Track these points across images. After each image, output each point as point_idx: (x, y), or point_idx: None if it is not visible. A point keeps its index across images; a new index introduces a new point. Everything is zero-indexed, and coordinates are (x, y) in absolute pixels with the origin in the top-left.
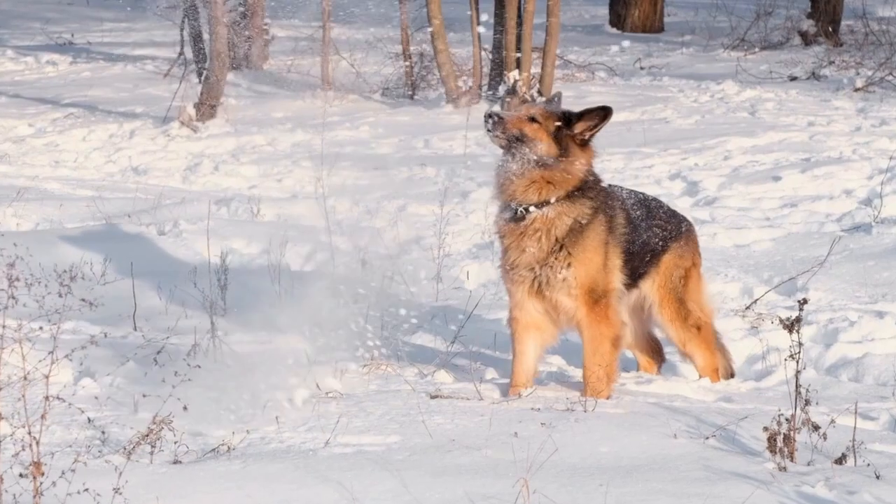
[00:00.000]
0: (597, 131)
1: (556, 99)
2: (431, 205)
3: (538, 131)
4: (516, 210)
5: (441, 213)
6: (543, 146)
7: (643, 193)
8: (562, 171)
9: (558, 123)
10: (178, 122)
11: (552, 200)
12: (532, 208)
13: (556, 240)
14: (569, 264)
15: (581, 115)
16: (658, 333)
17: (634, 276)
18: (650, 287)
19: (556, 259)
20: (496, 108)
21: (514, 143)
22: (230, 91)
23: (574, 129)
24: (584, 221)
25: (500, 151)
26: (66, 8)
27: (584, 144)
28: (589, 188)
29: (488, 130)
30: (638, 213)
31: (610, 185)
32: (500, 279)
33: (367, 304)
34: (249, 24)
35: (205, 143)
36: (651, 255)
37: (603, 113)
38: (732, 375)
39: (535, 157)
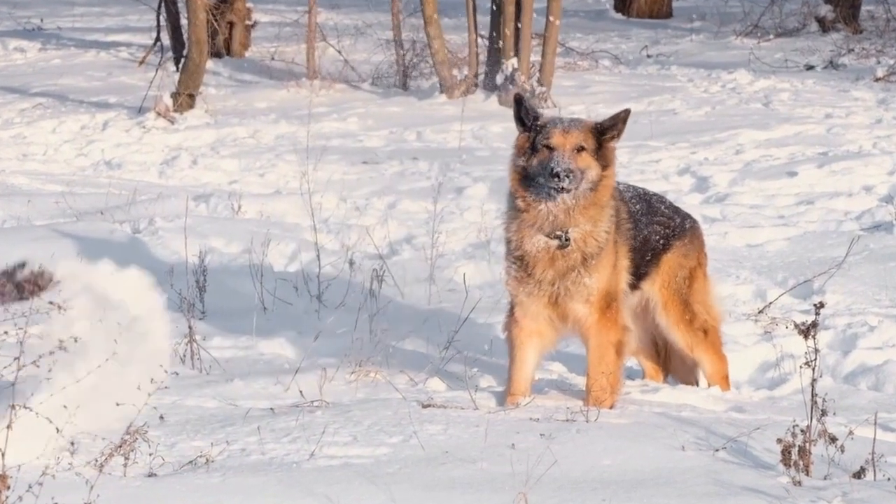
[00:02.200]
0: (621, 136)
1: (536, 93)
2: (424, 201)
3: (588, 159)
4: (561, 237)
5: (434, 211)
6: (594, 171)
7: (643, 188)
8: (605, 188)
9: (596, 136)
10: (154, 112)
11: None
12: (572, 228)
13: (590, 252)
14: (593, 272)
15: (610, 124)
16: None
17: (637, 276)
18: (652, 288)
19: (583, 269)
20: (563, 164)
21: (581, 183)
22: (210, 80)
23: (605, 136)
24: (611, 226)
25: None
26: None
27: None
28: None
29: (566, 190)
30: (637, 207)
31: None
32: (496, 281)
33: (356, 308)
34: (230, 9)
35: (182, 136)
36: (652, 253)
37: (626, 114)
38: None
39: (588, 187)
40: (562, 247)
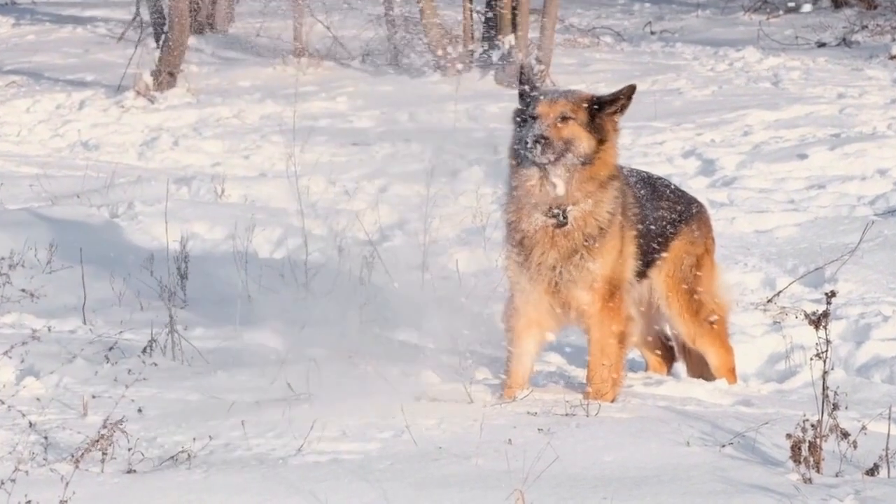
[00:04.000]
0: (624, 112)
1: (532, 69)
2: (416, 185)
3: (575, 129)
4: (558, 215)
5: (427, 194)
6: (584, 144)
7: (646, 172)
8: (602, 162)
9: (590, 108)
10: (134, 91)
11: (593, 190)
12: (570, 206)
13: (591, 233)
14: (597, 257)
15: (612, 98)
16: (670, 330)
17: (643, 263)
18: (658, 276)
19: (586, 252)
20: (539, 128)
21: (563, 155)
22: (192, 57)
23: (605, 110)
24: (614, 208)
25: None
26: None
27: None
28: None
29: (539, 160)
30: (642, 192)
31: None
32: (492, 268)
33: (345, 296)
34: None
35: (163, 116)
36: (659, 240)
37: (630, 91)
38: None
39: (579, 160)
40: (560, 225)
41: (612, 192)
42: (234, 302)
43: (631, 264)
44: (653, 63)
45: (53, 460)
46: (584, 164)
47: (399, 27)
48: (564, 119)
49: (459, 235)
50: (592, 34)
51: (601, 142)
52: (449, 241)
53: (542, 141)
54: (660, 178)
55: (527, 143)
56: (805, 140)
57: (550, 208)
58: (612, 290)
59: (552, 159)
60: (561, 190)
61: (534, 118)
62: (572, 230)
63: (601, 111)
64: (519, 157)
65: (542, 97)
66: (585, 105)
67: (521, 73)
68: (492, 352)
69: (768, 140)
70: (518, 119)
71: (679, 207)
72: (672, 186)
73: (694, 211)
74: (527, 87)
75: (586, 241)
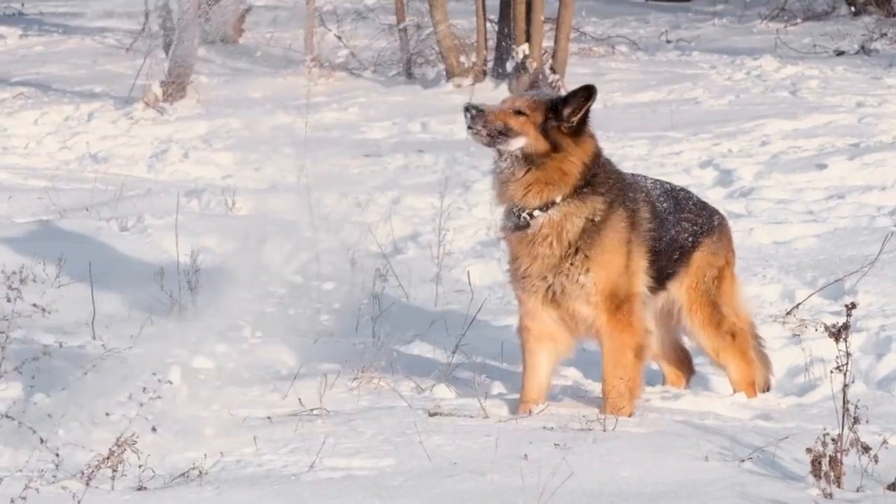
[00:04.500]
0: (584, 115)
1: (542, 77)
2: (430, 197)
3: (524, 125)
4: (519, 216)
5: (441, 207)
6: (530, 141)
7: (669, 183)
8: (555, 169)
9: (547, 114)
10: (143, 102)
11: (557, 201)
12: (536, 212)
13: (570, 244)
14: (587, 269)
15: (566, 100)
16: (687, 342)
17: (661, 277)
18: (679, 289)
19: (571, 265)
20: (475, 101)
21: (497, 138)
22: (201, 68)
23: (562, 115)
24: (597, 219)
25: (492, 151)
26: None
27: (577, 133)
28: (599, 181)
29: (468, 127)
30: (664, 205)
31: (633, 175)
32: (506, 281)
33: (357, 310)
34: None
35: (173, 127)
36: (680, 252)
37: (587, 93)
38: (768, 389)
39: (521, 155)
40: (518, 227)
41: (591, 205)
42: (246, 316)
43: (641, 278)
44: (669, 72)
45: (64, 478)
46: (530, 163)
47: (411, 37)
48: (518, 112)
49: (474, 248)
50: (608, 43)
51: (555, 148)
52: (463, 254)
53: (473, 111)
54: (683, 190)
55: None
56: (824, 150)
57: (512, 209)
58: (618, 304)
59: (485, 139)
60: (515, 187)
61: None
62: (542, 239)
63: (557, 116)
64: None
65: (518, 94)
66: (544, 107)
67: (534, 84)
68: (507, 366)
69: (786, 150)
70: None
71: (700, 220)
72: (694, 198)
73: (715, 223)
74: (537, 80)
75: (567, 252)
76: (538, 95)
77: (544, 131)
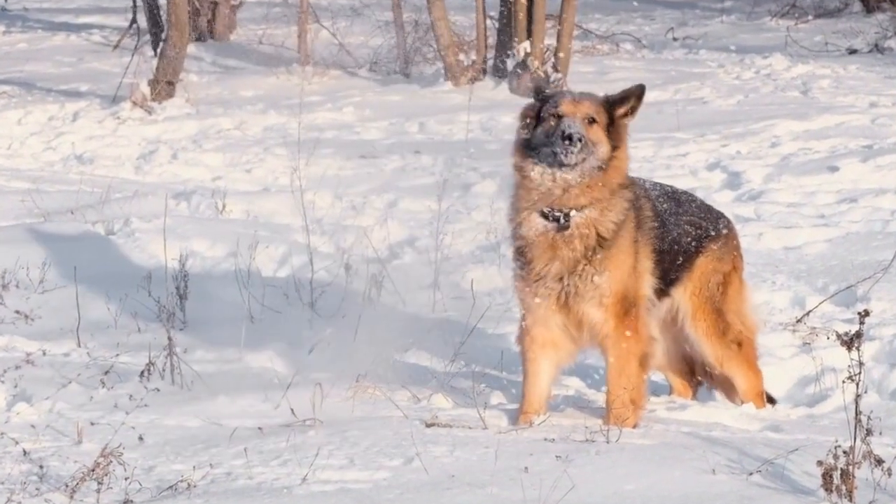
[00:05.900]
0: (635, 115)
1: (551, 80)
2: (427, 199)
3: (597, 132)
4: (559, 218)
5: (438, 209)
6: (605, 147)
7: (670, 186)
8: (614, 169)
9: (608, 111)
10: (130, 102)
11: (602, 199)
12: (573, 212)
13: (598, 242)
14: (603, 269)
15: (622, 100)
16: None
17: (665, 280)
18: (682, 295)
19: (589, 264)
20: (575, 127)
21: (586, 157)
22: (191, 66)
23: (615, 115)
24: (621, 219)
25: (550, 160)
26: None
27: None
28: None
29: (570, 160)
30: (665, 206)
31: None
32: (507, 288)
33: (352, 316)
34: None
35: (161, 127)
36: (683, 257)
37: (639, 91)
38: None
39: (598, 162)
40: (561, 229)
41: (622, 202)
42: (237, 323)
43: (648, 280)
44: (675, 71)
45: (47, 490)
46: (598, 169)
47: (409, 34)
48: (591, 122)
49: (473, 252)
50: (612, 41)
51: (615, 147)
52: (462, 259)
53: (581, 140)
54: (685, 192)
55: (567, 135)
56: (836, 151)
57: (552, 210)
58: (627, 308)
59: (581, 160)
60: (568, 192)
61: (558, 116)
62: (573, 237)
63: (616, 113)
64: (529, 153)
65: (565, 96)
66: (604, 107)
67: (537, 88)
68: (507, 375)
69: (797, 152)
70: (529, 117)
71: (705, 223)
72: (698, 201)
73: (721, 227)
74: (542, 85)
75: (589, 251)
76: (591, 96)
77: (609, 134)
